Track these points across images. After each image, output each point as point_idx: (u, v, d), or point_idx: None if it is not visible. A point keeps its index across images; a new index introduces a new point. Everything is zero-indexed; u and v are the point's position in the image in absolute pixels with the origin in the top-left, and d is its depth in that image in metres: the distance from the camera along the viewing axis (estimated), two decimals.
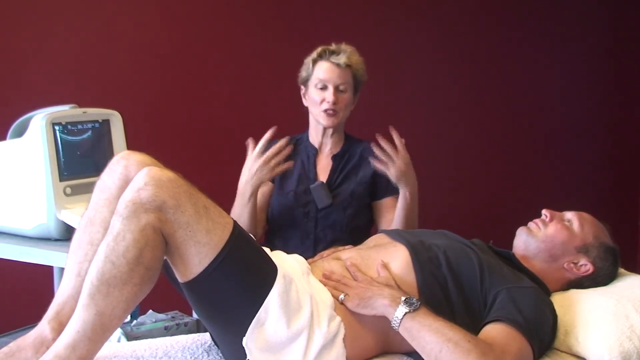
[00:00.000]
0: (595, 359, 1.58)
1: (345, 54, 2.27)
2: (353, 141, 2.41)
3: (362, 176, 2.32)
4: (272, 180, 2.34)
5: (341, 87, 2.27)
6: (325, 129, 2.34)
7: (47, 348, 1.41)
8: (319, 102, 2.28)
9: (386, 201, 2.33)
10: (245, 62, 3.28)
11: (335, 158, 2.36)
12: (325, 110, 2.27)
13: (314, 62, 2.30)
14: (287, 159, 2.31)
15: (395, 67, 3.74)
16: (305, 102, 2.37)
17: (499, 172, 4.12)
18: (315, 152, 2.37)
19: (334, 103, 2.25)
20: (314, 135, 2.39)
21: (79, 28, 2.89)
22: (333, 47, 2.30)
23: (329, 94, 2.25)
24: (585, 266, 1.78)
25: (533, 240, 1.81)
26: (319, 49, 2.31)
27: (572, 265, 1.78)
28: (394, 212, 2.24)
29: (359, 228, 2.28)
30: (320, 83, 2.27)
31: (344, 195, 2.30)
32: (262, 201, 2.33)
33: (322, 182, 2.29)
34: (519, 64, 4.15)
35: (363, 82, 2.36)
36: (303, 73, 2.34)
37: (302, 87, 2.36)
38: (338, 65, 2.26)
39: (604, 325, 1.60)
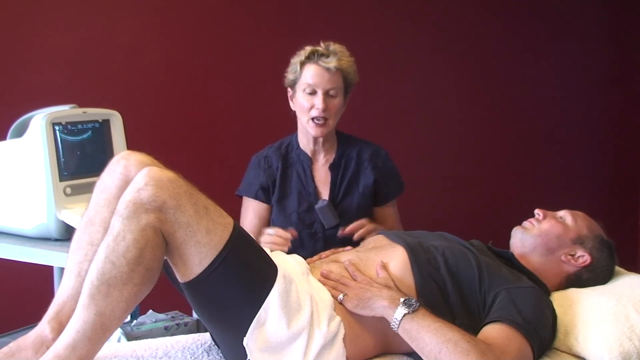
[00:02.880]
0: (595, 359, 1.58)
1: (335, 57, 2.16)
2: (347, 142, 2.32)
3: (364, 186, 2.26)
4: (269, 202, 2.28)
5: (331, 92, 2.17)
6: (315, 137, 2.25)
7: (47, 348, 1.41)
8: (308, 108, 2.17)
9: (386, 209, 2.33)
10: (246, 62, 3.28)
11: (333, 167, 2.27)
12: (314, 119, 2.17)
13: (302, 64, 2.19)
14: (282, 171, 2.26)
15: (393, 66, 3.74)
16: (293, 106, 2.26)
17: (498, 172, 4.11)
18: (309, 163, 2.28)
19: (324, 110, 2.16)
20: (305, 141, 2.29)
21: (79, 28, 2.89)
22: (322, 48, 2.19)
23: (319, 101, 2.15)
24: (583, 257, 1.79)
25: (529, 236, 1.82)
26: (307, 51, 2.19)
27: (569, 257, 1.79)
28: (391, 219, 2.30)
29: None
30: (309, 88, 2.17)
31: (350, 212, 2.22)
32: (259, 226, 2.25)
33: (328, 202, 2.19)
34: (518, 64, 4.14)
35: (354, 83, 2.25)
36: (290, 75, 2.23)
37: (289, 89, 2.26)
38: (328, 69, 2.15)
39: (604, 326, 1.60)
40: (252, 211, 2.29)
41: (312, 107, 2.18)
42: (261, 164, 2.30)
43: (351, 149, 2.30)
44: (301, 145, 2.31)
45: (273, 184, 2.27)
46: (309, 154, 2.29)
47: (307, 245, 2.22)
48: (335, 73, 2.17)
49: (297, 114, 2.26)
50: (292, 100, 2.27)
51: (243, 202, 2.34)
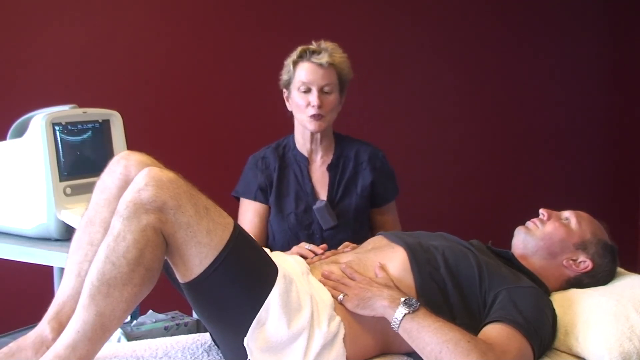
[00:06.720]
0: (595, 359, 1.58)
1: (327, 52, 2.17)
2: (344, 142, 2.31)
3: (362, 187, 2.25)
4: (267, 202, 2.27)
5: (326, 89, 2.17)
6: (312, 134, 2.24)
7: (47, 348, 1.41)
8: (304, 106, 2.17)
9: (385, 212, 2.32)
10: (246, 62, 3.28)
11: (330, 168, 2.27)
12: (312, 116, 2.17)
13: (295, 63, 2.19)
14: (280, 172, 2.26)
15: (394, 65, 3.74)
16: (289, 107, 2.26)
17: (499, 172, 4.11)
18: (306, 163, 2.27)
19: (319, 107, 2.16)
20: (302, 141, 2.28)
21: (79, 28, 2.89)
22: (313, 46, 2.20)
23: (314, 98, 2.15)
24: (584, 263, 1.78)
25: (531, 238, 1.81)
26: (299, 50, 2.20)
27: (571, 262, 1.78)
28: (390, 221, 2.30)
29: (365, 238, 2.16)
30: (303, 86, 2.17)
31: (348, 213, 2.22)
32: (260, 225, 2.25)
33: (326, 202, 2.19)
34: (519, 64, 4.14)
35: (349, 80, 2.25)
36: (284, 76, 2.24)
37: (285, 90, 2.27)
38: (321, 65, 2.15)
39: (604, 326, 1.60)
40: (252, 211, 2.28)
41: (308, 104, 2.17)
42: (259, 164, 2.29)
43: (349, 149, 2.30)
44: (298, 146, 2.30)
45: (270, 184, 2.26)
46: (306, 154, 2.29)
47: None
48: (328, 69, 2.17)
49: (294, 113, 2.25)
50: (287, 100, 2.27)
51: (241, 203, 2.32)
